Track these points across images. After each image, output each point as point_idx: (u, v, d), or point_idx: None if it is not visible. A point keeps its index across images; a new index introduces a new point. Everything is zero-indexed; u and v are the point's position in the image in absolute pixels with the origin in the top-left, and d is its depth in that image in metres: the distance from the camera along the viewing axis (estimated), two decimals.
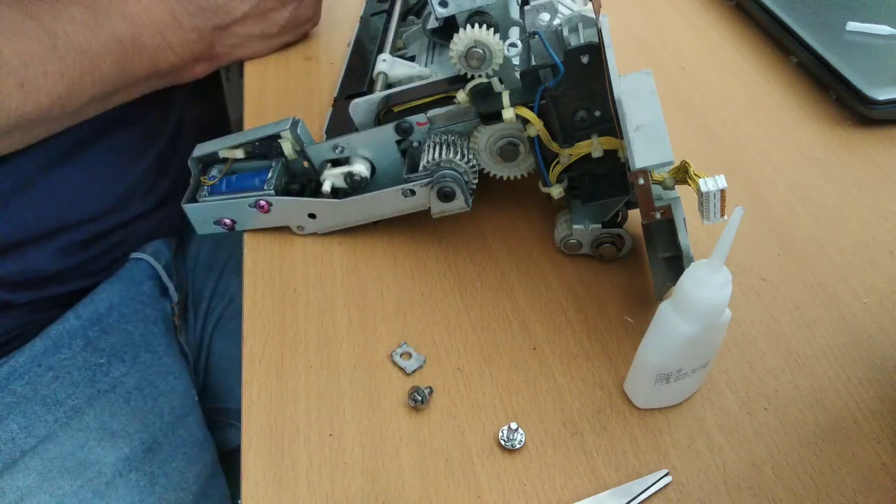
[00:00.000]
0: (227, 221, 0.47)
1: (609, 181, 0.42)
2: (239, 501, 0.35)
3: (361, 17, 0.62)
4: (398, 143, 0.45)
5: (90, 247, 0.58)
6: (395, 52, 0.53)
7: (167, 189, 0.64)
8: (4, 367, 0.53)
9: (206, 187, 0.47)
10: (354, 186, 0.45)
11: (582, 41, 0.40)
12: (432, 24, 0.47)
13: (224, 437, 0.66)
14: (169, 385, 0.59)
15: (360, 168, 0.45)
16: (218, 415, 0.66)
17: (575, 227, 0.44)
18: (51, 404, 0.53)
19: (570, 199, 0.46)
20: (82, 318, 0.57)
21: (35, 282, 0.56)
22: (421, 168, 0.43)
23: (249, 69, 0.63)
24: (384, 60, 0.47)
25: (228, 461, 0.63)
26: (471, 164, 0.43)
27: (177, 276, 0.66)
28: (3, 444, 0.51)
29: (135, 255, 0.62)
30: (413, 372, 0.40)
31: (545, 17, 0.44)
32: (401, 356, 0.41)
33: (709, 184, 0.35)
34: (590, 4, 0.42)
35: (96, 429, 0.54)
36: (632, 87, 0.36)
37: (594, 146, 0.40)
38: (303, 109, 0.58)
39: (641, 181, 0.37)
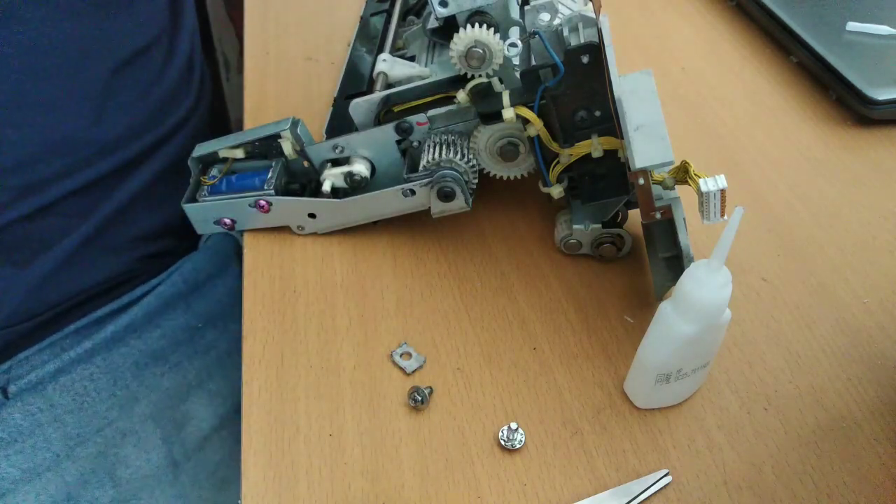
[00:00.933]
0: (227, 221, 0.47)
1: (609, 181, 0.42)
2: (239, 501, 0.35)
3: (361, 17, 0.61)
4: (398, 142, 0.45)
5: None
6: (395, 52, 0.53)
7: None
8: (123, 318, 0.56)
9: (206, 187, 0.47)
10: (354, 186, 0.45)
11: (582, 41, 0.40)
12: (432, 23, 0.47)
13: None
14: None
15: (360, 168, 0.45)
16: None
17: (575, 227, 0.44)
18: (159, 358, 0.58)
19: (570, 199, 0.46)
20: (188, 281, 0.60)
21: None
22: (421, 168, 0.43)
23: (249, 69, 0.63)
24: (384, 60, 0.47)
25: None
26: (471, 164, 0.43)
27: None
28: (119, 391, 0.55)
29: None
30: (413, 372, 0.40)
31: (545, 16, 0.44)
32: (401, 356, 0.41)
33: (709, 184, 0.35)
34: (590, 4, 0.43)
35: (196, 386, 0.58)
36: (632, 87, 0.36)
37: (594, 146, 0.40)
38: (303, 109, 0.58)
39: (641, 181, 0.37)
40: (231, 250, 0.65)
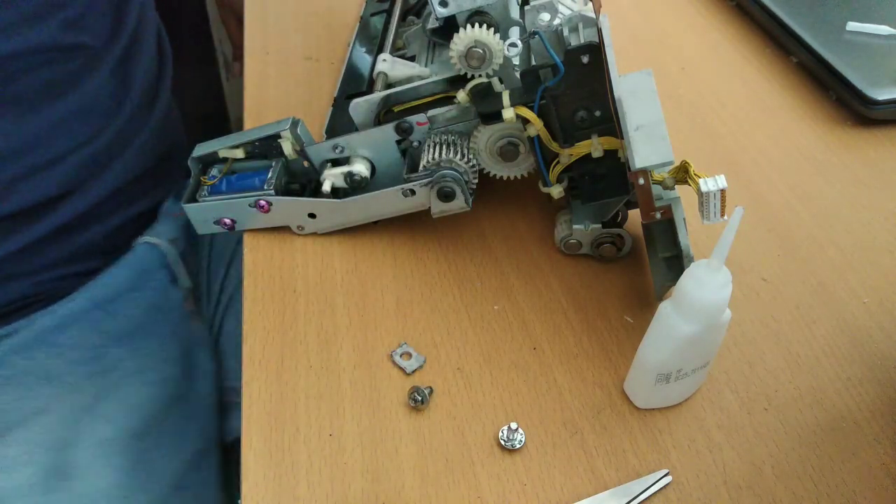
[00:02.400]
0: (227, 221, 0.47)
1: (609, 181, 0.42)
2: (239, 501, 0.35)
3: (361, 17, 0.62)
4: (398, 142, 0.45)
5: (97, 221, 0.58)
6: (395, 52, 0.53)
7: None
8: (8, 341, 0.54)
9: (206, 187, 0.47)
10: (354, 186, 0.45)
11: (582, 41, 0.40)
12: (432, 23, 0.47)
13: (231, 425, 0.66)
14: (166, 373, 0.59)
15: (360, 168, 0.45)
16: (228, 395, 0.66)
17: (575, 227, 0.44)
18: (50, 379, 0.54)
19: (570, 199, 0.46)
20: (91, 299, 0.57)
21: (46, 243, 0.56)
22: (421, 168, 0.43)
23: (249, 69, 0.63)
24: (384, 60, 0.47)
25: (233, 453, 0.64)
26: (471, 164, 0.43)
27: (191, 260, 0.65)
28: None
29: (145, 238, 0.61)
30: (413, 372, 0.40)
31: (545, 16, 0.44)
32: (401, 356, 0.41)
33: (709, 184, 0.35)
34: (590, 4, 0.43)
35: (87, 409, 0.54)
36: (632, 87, 0.36)
37: (594, 146, 0.40)
38: (303, 109, 0.58)
39: (641, 181, 0.37)
40: (155, 263, 0.61)
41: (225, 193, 0.46)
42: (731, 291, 0.33)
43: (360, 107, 0.45)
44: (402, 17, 0.57)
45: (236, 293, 0.69)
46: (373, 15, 0.60)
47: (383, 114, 0.45)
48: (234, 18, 0.84)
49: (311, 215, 0.47)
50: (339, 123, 0.51)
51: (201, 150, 0.47)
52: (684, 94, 0.59)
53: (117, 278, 0.59)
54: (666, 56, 0.64)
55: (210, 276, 0.70)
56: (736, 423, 0.38)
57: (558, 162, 0.42)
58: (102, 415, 0.54)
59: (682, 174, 0.38)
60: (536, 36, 0.41)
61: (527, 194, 0.50)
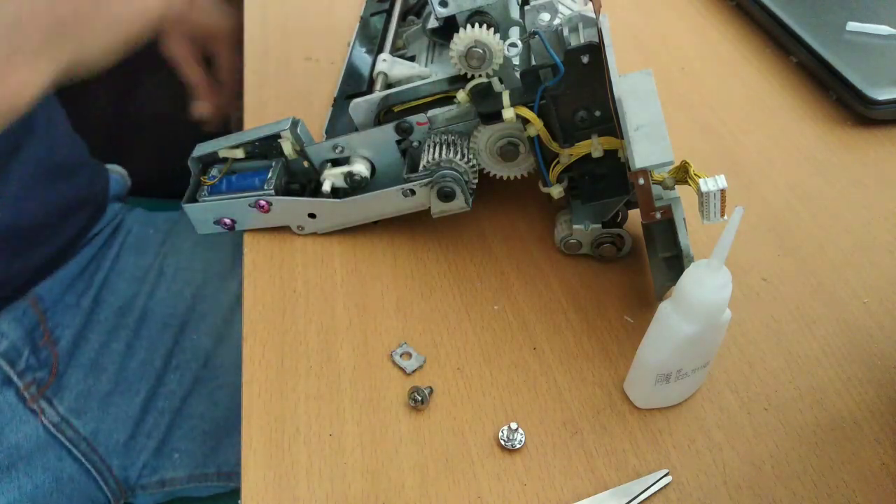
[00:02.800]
0: (227, 221, 0.47)
1: (609, 181, 0.42)
2: (239, 501, 0.35)
3: (361, 17, 0.61)
4: (398, 142, 0.45)
5: None
6: (395, 52, 0.53)
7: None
8: None
9: (205, 187, 0.47)
10: (354, 186, 0.45)
11: (582, 41, 0.40)
12: (432, 23, 0.47)
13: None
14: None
15: (360, 168, 0.45)
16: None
17: (575, 227, 0.44)
18: None
19: (570, 199, 0.46)
20: None
21: None
22: (421, 168, 0.43)
23: (249, 69, 0.63)
24: (384, 60, 0.47)
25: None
26: (471, 163, 0.43)
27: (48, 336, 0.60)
28: None
29: None
30: (413, 372, 0.40)
31: (545, 16, 0.44)
32: (401, 356, 0.41)
33: (709, 184, 0.35)
34: (590, 4, 0.43)
35: None
36: (632, 87, 0.36)
37: (594, 146, 0.40)
38: (303, 109, 0.58)
39: (641, 181, 0.37)
40: None
41: (225, 193, 0.46)
42: (731, 291, 0.33)
43: (360, 107, 0.45)
44: (402, 17, 0.57)
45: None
46: (373, 15, 0.60)
47: (383, 114, 0.45)
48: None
49: (311, 215, 0.47)
50: (339, 123, 0.51)
51: (201, 150, 0.47)
52: (684, 94, 0.59)
53: None
54: (666, 56, 0.64)
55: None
56: (736, 423, 0.38)
57: (558, 162, 0.42)
58: None
59: (682, 174, 0.38)
60: (536, 36, 0.41)
61: (527, 194, 0.50)
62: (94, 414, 0.61)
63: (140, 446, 0.61)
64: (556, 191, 0.43)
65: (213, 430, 0.62)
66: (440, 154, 0.42)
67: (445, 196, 0.43)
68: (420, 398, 0.38)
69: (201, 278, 0.69)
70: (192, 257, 0.70)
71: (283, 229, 0.48)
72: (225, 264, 0.70)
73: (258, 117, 0.57)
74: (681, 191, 0.39)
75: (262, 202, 0.46)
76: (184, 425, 0.63)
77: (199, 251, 0.70)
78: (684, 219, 0.39)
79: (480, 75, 0.41)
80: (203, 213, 0.47)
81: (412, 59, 0.49)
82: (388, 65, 0.47)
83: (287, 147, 0.45)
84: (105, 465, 0.60)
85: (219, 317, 0.67)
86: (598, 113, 0.40)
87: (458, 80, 0.43)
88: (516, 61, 0.42)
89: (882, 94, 0.54)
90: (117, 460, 0.60)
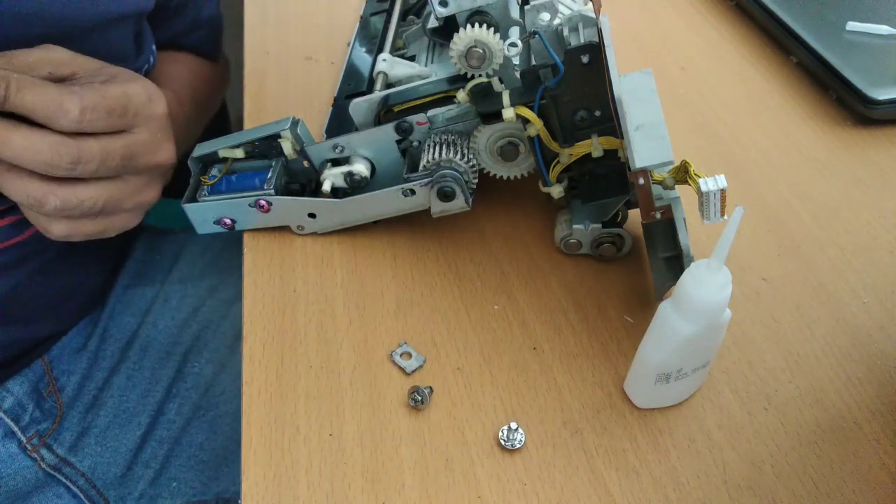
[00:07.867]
0: (227, 221, 0.47)
1: (609, 181, 0.42)
2: (239, 501, 0.35)
3: (361, 17, 0.61)
4: (398, 142, 0.45)
5: None
6: (395, 51, 0.53)
7: None
8: None
9: (205, 187, 0.47)
10: (354, 186, 0.45)
11: (582, 41, 0.40)
12: (432, 23, 0.47)
13: None
14: None
15: (360, 168, 0.45)
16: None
17: (575, 226, 0.44)
18: None
19: (570, 198, 0.46)
20: None
21: None
22: (421, 168, 0.43)
23: (249, 69, 0.63)
24: (384, 60, 0.47)
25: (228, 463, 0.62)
26: (471, 163, 0.43)
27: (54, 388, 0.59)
28: None
29: None
30: (413, 372, 0.40)
31: (545, 16, 0.44)
32: (401, 356, 0.41)
33: (709, 184, 0.35)
34: (590, 4, 0.43)
35: None
36: (632, 87, 0.36)
37: (594, 146, 0.40)
38: (303, 109, 0.58)
39: (641, 181, 0.37)
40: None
41: (225, 193, 0.46)
42: (731, 291, 0.33)
43: (360, 107, 0.45)
44: (402, 17, 0.57)
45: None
46: (373, 15, 0.60)
47: (383, 114, 0.45)
48: None
49: (311, 215, 0.47)
50: (339, 123, 0.51)
51: (201, 149, 0.47)
52: (684, 94, 0.59)
53: None
54: (666, 56, 0.64)
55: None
56: (736, 423, 0.38)
57: (558, 162, 0.42)
58: None
59: (682, 174, 0.38)
60: (536, 36, 0.41)
61: (527, 194, 0.50)
62: (91, 449, 0.60)
63: (138, 476, 0.60)
64: (556, 191, 0.43)
65: (213, 459, 0.61)
66: (440, 154, 0.42)
67: (445, 196, 0.43)
68: (420, 398, 0.38)
69: (207, 305, 0.67)
70: (199, 284, 0.68)
71: (283, 229, 0.48)
72: (231, 290, 0.68)
73: (258, 117, 0.57)
74: (681, 191, 0.39)
75: (262, 202, 0.46)
76: (182, 454, 0.61)
77: (206, 277, 0.68)
78: (684, 218, 0.39)
79: (480, 75, 0.41)
80: (203, 212, 0.47)
81: (412, 58, 0.49)
82: (388, 64, 0.47)
83: (287, 147, 0.45)
84: (103, 498, 0.59)
85: (223, 344, 0.65)
86: (598, 113, 0.40)
87: (458, 80, 0.43)
88: (516, 61, 0.42)
89: (882, 94, 0.54)
90: (114, 492, 0.60)
